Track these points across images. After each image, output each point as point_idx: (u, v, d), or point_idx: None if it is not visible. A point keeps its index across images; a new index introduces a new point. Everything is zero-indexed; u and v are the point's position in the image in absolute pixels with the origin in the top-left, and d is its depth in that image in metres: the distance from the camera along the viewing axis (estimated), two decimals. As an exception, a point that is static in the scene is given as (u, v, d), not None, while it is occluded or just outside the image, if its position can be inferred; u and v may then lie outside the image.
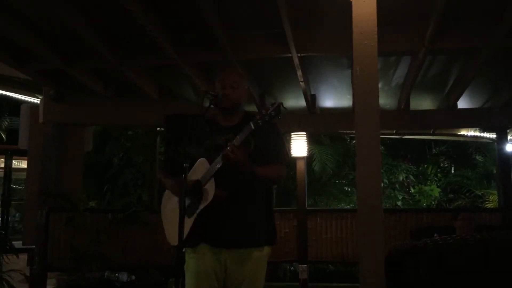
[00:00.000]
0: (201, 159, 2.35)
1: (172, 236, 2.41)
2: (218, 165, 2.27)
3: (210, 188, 2.28)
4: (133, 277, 5.37)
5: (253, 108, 5.52)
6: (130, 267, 5.40)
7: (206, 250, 2.36)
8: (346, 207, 8.68)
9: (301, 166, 5.91)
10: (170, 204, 2.45)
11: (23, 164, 9.35)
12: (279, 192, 8.50)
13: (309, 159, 7.52)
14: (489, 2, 3.62)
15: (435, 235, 4.00)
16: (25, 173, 6.76)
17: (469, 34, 4.01)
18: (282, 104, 2.24)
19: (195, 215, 2.28)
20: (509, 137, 6.66)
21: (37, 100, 6.39)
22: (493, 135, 6.93)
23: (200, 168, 2.34)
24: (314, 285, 5.96)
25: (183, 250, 2.22)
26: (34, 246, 5.24)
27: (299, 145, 5.84)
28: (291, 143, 5.92)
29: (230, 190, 2.31)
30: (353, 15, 2.60)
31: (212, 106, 2.46)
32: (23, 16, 3.92)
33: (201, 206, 2.28)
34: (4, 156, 9.57)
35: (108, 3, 3.59)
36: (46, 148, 5.51)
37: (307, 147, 5.96)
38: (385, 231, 5.16)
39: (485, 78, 5.11)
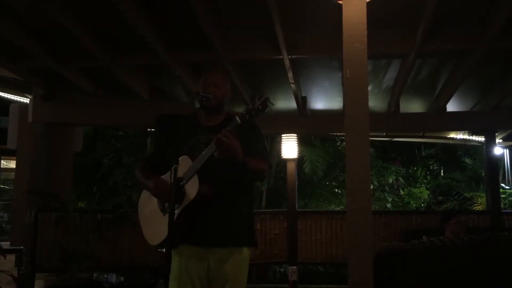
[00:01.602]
0: (183, 157, 2.30)
1: (150, 236, 2.39)
2: (207, 156, 2.22)
3: (194, 185, 2.25)
4: (122, 278, 5.35)
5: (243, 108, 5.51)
6: (120, 267, 5.38)
7: (188, 250, 2.35)
8: (336, 209, 8.70)
9: (291, 168, 5.92)
10: (149, 204, 2.43)
11: (12, 164, 9.29)
12: (269, 193, 8.51)
13: (299, 160, 7.54)
14: (478, 6, 3.66)
15: (423, 237, 4.03)
16: (13, 173, 6.71)
17: (459, 37, 4.04)
18: (268, 98, 2.21)
19: (176, 213, 2.24)
20: (497, 140, 6.74)
21: (26, 100, 6.34)
22: (481, 138, 6.99)
23: (182, 165, 2.28)
24: (303, 286, 5.98)
25: (168, 251, 2.19)
26: (22, 247, 5.20)
27: (289, 147, 5.86)
28: (282, 145, 5.93)
29: (214, 186, 2.29)
30: (343, 18, 2.62)
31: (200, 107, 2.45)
32: (14, 13, 3.90)
33: (183, 204, 2.25)
34: (-8, 156, 9.50)
35: (100, 2, 3.58)
36: (35, 148, 5.47)
37: (297, 149, 5.97)
38: (375, 233, 5.25)
39: (474, 82, 5.16)
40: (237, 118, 2.20)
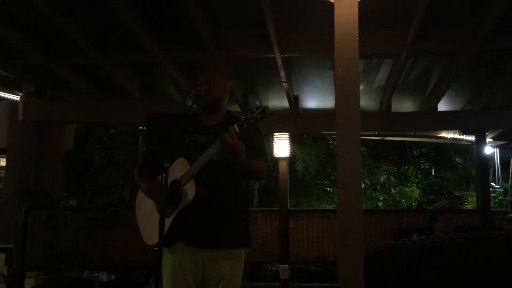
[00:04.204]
0: (180, 159, 2.31)
1: (148, 236, 2.38)
2: (207, 158, 2.23)
3: (191, 188, 2.25)
4: (113, 277, 5.33)
5: (236, 107, 5.52)
6: (111, 266, 5.36)
7: (182, 249, 2.35)
8: (328, 207, 8.72)
9: (283, 167, 5.93)
10: (145, 203, 2.42)
11: (2, 162, 9.18)
12: (261, 192, 8.51)
13: (291, 159, 7.55)
14: (468, 7, 3.69)
15: (414, 235, 4.05)
16: (3, 171, 6.65)
17: (450, 38, 4.08)
18: (267, 107, 2.24)
19: (173, 215, 2.26)
20: (487, 140, 6.78)
21: (16, 97, 6.29)
22: (472, 138, 7.03)
23: (179, 167, 2.30)
24: (295, 285, 5.98)
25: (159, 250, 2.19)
26: (12, 245, 5.16)
27: (281, 146, 5.86)
28: (274, 143, 5.93)
29: (211, 190, 2.30)
30: (335, 17, 2.63)
31: (194, 105, 2.45)
32: (4, 10, 3.86)
33: (181, 206, 2.26)
34: (-18, 153, 9.39)
35: None
36: (25, 146, 5.43)
37: (289, 148, 5.98)
38: (366, 231, 5.28)
39: (465, 81, 5.20)
40: (235, 127, 2.20)
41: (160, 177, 2.32)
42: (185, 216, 2.26)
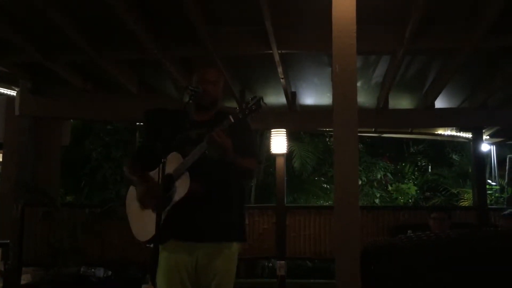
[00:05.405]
0: (173, 153, 2.30)
1: (138, 232, 2.38)
2: (199, 154, 2.23)
3: (185, 182, 2.24)
4: (110, 272, 5.34)
5: (233, 103, 5.51)
6: (107, 262, 5.37)
7: (176, 246, 2.35)
8: (325, 204, 8.74)
9: (280, 163, 5.93)
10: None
11: (-2, 158, 9.17)
12: (258, 188, 8.52)
13: (288, 156, 7.56)
14: (467, 4, 3.69)
15: (408, 231, 4.06)
16: (0, 167, 6.64)
17: (448, 35, 4.07)
18: (262, 98, 2.23)
19: (166, 210, 2.25)
20: (484, 137, 6.80)
21: (13, 92, 6.26)
22: (469, 135, 7.05)
23: (172, 161, 2.29)
24: (291, 281, 6.00)
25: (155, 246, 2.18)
26: (8, 241, 5.16)
27: (279, 142, 5.86)
28: (271, 140, 5.93)
29: (204, 184, 2.29)
30: (333, 13, 2.62)
31: (191, 101, 2.44)
32: (1, 7, 3.84)
33: (174, 201, 2.25)
34: (-22, 149, 9.36)
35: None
36: (22, 142, 5.41)
37: (286, 144, 5.98)
38: (363, 228, 5.30)
39: (463, 79, 5.20)
40: (230, 117, 2.19)
41: (153, 173, 2.32)
42: (178, 211, 2.26)
